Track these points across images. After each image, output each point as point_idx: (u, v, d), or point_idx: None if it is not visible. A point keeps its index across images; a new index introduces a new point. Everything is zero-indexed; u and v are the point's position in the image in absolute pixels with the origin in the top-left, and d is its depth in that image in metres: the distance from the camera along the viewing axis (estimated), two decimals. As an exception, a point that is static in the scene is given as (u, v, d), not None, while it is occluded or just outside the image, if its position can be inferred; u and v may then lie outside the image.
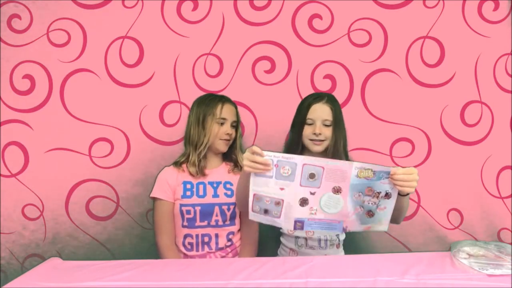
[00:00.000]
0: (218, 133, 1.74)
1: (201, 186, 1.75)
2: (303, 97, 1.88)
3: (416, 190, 1.90)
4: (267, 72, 1.92)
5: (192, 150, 1.75)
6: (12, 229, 1.92)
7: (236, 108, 1.81)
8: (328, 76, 1.91)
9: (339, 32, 1.90)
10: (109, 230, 1.94)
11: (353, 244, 1.75)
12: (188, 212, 1.72)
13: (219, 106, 1.75)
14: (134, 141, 1.92)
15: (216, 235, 1.74)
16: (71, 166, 1.91)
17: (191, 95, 1.89)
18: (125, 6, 1.90)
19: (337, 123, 1.69)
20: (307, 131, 1.68)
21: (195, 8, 1.90)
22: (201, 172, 1.74)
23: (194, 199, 1.73)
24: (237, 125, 1.81)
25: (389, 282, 1.18)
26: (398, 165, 1.91)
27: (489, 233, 1.93)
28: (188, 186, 1.74)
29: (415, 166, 1.87)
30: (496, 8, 1.89)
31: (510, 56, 1.90)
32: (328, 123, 1.67)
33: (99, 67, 1.90)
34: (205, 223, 1.73)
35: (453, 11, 1.89)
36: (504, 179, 1.92)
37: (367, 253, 1.75)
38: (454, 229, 1.93)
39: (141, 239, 1.95)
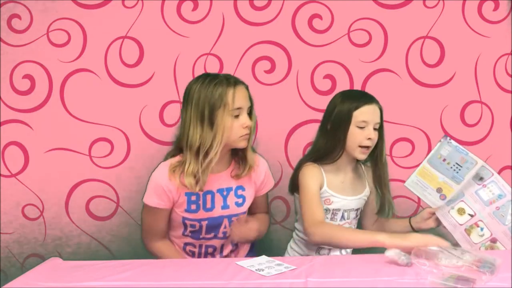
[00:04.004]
0: (234, 130, 1.34)
1: (208, 197, 1.43)
2: (303, 97, 1.88)
3: (416, 190, 1.92)
4: (267, 72, 1.92)
5: (192, 157, 1.36)
6: (12, 229, 1.92)
7: (247, 88, 1.43)
8: (328, 76, 1.91)
9: (339, 32, 1.90)
10: (109, 230, 1.94)
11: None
12: (193, 226, 1.50)
13: (231, 92, 1.33)
14: (134, 141, 1.92)
15: (222, 246, 1.59)
16: (71, 166, 1.91)
17: (191, 95, 1.89)
18: (125, 6, 1.89)
19: (382, 125, 1.57)
20: (359, 136, 1.49)
21: (195, 8, 1.90)
22: (199, 187, 1.38)
23: (201, 214, 1.45)
24: (251, 110, 1.40)
25: (389, 282, 1.18)
26: (398, 165, 1.92)
27: (489, 233, 1.93)
28: (193, 198, 1.42)
29: (415, 166, 1.90)
30: (496, 8, 1.89)
31: (510, 56, 1.90)
32: (377, 126, 1.54)
33: (99, 67, 1.90)
34: (212, 235, 1.52)
35: (453, 11, 1.89)
36: (504, 179, 1.90)
37: (367, 253, 1.75)
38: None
39: (141, 239, 1.94)
